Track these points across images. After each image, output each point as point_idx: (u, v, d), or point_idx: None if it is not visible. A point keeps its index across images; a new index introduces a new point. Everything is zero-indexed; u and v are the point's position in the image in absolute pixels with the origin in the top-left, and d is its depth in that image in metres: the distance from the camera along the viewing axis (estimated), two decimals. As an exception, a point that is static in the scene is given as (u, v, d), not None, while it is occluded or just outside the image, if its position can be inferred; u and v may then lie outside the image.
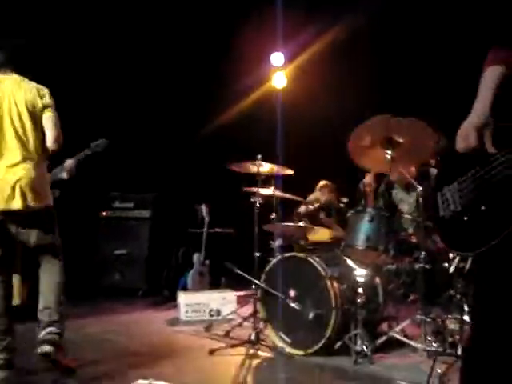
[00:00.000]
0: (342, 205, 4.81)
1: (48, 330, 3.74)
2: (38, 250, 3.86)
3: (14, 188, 3.69)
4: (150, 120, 7.92)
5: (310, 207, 5.58)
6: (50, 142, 3.86)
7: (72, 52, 7.10)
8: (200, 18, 7.49)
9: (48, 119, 3.88)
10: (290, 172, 4.92)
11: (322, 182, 6.22)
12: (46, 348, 3.67)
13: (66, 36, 6.90)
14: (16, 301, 5.07)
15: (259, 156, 4.74)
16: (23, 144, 3.80)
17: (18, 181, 3.70)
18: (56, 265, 3.90)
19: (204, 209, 6.71)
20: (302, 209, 5.79)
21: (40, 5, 6.50)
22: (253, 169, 4.80)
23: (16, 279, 5.21)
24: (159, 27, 7.48)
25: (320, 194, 6.13)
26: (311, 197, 6.06)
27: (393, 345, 4.30)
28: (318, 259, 4.38)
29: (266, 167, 4.79)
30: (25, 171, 3.75)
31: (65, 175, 4.81)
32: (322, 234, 5.18)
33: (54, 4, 6.62)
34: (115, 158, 7.73)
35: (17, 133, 3.80)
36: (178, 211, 7.52)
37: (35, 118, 3.86)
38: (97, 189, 7.54)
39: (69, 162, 4.76)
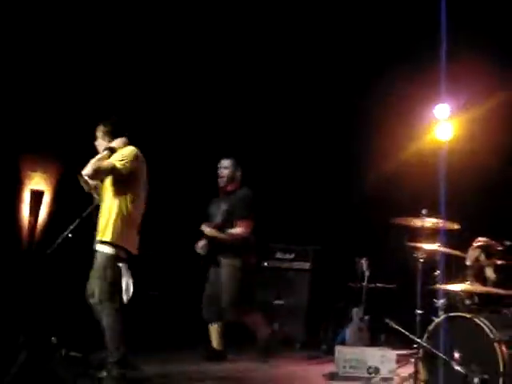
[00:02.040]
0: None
1: None
2: None
3: None
4: (313, 174, 8.03)
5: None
6: None
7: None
8: (355, 65, 7.54)
9: None
10: (456, 227, 4.71)
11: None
12: None
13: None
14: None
15: (424, 211, 4.60)
16: None
17: None
18: None
19: (364, 263, 6.60)
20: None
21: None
22: (417, 223, 4.67)
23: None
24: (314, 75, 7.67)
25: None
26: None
27: None
28: (485, 320, 4.11)
29: (430, 222, 4.64)
30: None
31: None
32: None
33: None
34: (279, 209, 7.96)
35: None
36: (338, 264, 7.46)
37: None
38: (259, 239, 7.72)
39: None
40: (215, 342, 5.89)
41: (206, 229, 5.84)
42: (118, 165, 4.39)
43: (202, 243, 5.91)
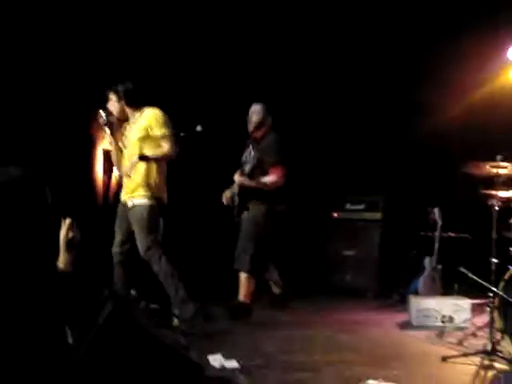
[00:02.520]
0: None
1: None
2: None
3: None
4: (382, 123, 7.90)
5: None
6: None
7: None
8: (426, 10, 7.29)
9: None
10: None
11: None
12: None
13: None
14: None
15: (499, 157, 4.47)
16: None
17: None
18: None
19: (437, 212, 6.50)
20: None
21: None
22: (491, 170, 4.54)
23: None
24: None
25: None
26: None
27: None
28: None
29: (506, 168, 4.50)
30: None
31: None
32: None
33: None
34: (348, 159, 7.91)
35: None
36: (410, 214, 7.38)
37: None
38: (330, 190, 7.73)
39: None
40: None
41: (237, 178, 5.77)
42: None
43: (227, 193, 5.89)
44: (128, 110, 5.23)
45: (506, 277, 4.37)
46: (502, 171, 4.49)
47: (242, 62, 7.48)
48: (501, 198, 4.53)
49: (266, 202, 5.69)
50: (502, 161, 4.46)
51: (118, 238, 5.22)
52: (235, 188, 5.83)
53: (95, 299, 2.59)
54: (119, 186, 5.74)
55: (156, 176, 5.12)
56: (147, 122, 5.10)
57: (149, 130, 5.07)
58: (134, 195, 5.10)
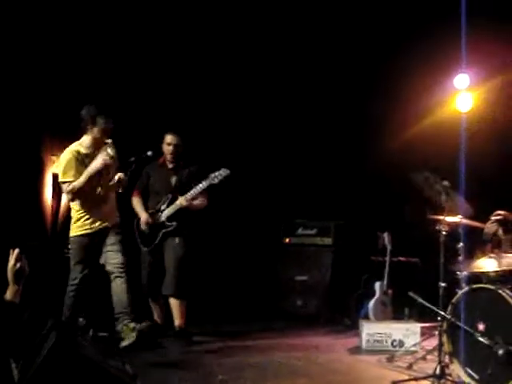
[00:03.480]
0: None
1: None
2: None
3: None
4: (331, 149, 7.99)
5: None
6: None
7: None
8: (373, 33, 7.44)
9: None
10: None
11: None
12: None
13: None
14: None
15: (446, 182, 4.56)
16: None
17: None
18: None
19: (387, 237, 6.59)
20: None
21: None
22: (439, 197, 4.62)
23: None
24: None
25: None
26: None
27: None
28: (509, 292, 4.10)
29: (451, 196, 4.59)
30: None
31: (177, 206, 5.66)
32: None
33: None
34: (299, 185, 7.95)
35: None
36: (361, 239, 7.45)
37: None
38: (282, 215, 7.75)
39: (180, 200, 5.63)
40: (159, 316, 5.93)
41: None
42: None
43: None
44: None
45: (454, 300, 4.43)
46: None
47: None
48: (447, 222, 4.61)
49: None
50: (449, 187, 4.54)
51: None
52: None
53: (40, 330, 2.52)
54: (68, 210, 5.66)
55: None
56: None
57: None
58: None
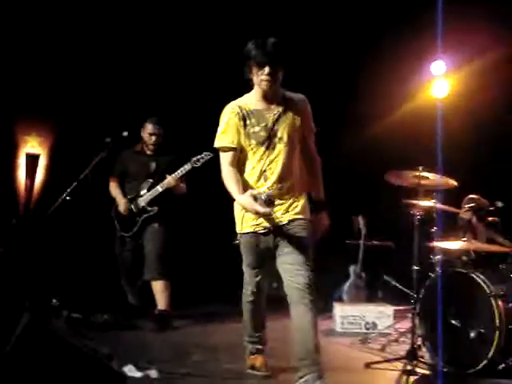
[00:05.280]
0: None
1: None
2: None
3: None
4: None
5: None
6: None
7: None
8: (352, 22, 7.42)
9: None
10: (454, 183, 4.70)
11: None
12: None
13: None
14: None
15: (421, 167, 4.59)
16: None
17: None
18: None
19: (361, 220, 6.63)
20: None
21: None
22: (414, 180, 4.66)
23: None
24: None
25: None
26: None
27: None
28: (481, 275, 4.17)
29: (427, 179, 4.63)
30: None
31: (160, 189, 5.56)
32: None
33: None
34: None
35: None
36: (335, 222, 7.46)
37: None
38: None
39: (168, 179, 5.25)
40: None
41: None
42: None
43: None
44: None
45: (427, 284, 4.49)
46: (423, 181, 4.61)
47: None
48: (421, 207, 4.65)
49: None
50: (424, 171, 4.58)
51: None
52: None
53: (14, 311, 2.50)
54: (42, 191, 5.60)
55: None
56: None
57: None
58: None
